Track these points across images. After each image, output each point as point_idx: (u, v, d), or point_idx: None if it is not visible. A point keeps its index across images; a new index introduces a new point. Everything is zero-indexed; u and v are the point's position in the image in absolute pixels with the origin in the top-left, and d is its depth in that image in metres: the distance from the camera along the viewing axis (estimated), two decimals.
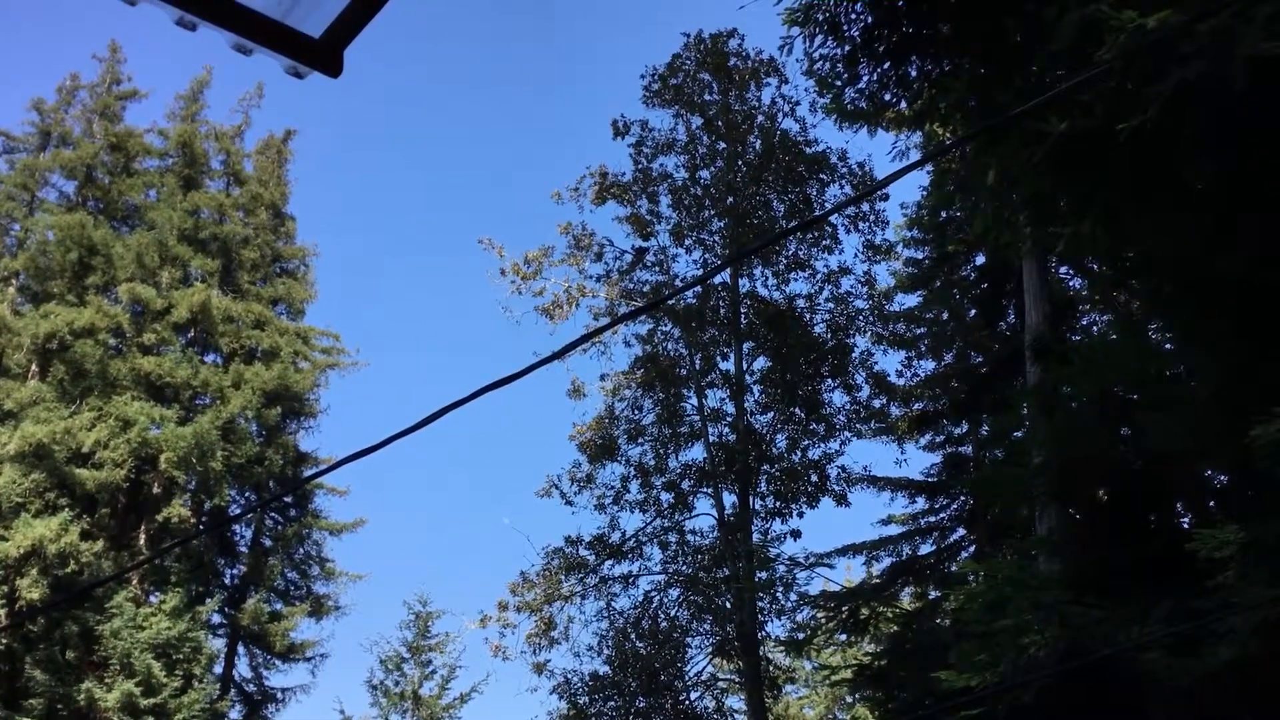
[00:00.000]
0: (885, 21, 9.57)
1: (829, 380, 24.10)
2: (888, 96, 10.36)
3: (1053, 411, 12.58)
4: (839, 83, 10.27)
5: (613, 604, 23.03)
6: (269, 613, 30.89)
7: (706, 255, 24.32)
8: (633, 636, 22.33)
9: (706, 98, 24.85)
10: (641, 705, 21.51)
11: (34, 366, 29.00)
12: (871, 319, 24.45)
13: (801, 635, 17.88)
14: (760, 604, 21.66)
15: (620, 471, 23.94)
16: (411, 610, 32.75)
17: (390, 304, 71.43)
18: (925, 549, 22.45)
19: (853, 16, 9.71)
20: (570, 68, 74.93)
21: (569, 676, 22.19)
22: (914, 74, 9.99)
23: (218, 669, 29.66)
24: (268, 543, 32.33)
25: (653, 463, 23.87)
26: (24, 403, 27.40)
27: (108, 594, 26.55)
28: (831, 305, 24.32)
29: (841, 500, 23.25)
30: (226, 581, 31.63)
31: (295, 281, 34.55)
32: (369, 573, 36.13)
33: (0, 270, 30.62)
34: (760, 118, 24.78)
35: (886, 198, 24.96)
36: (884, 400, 24.38)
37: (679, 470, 23.77)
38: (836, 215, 24.23)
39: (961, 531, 22.21)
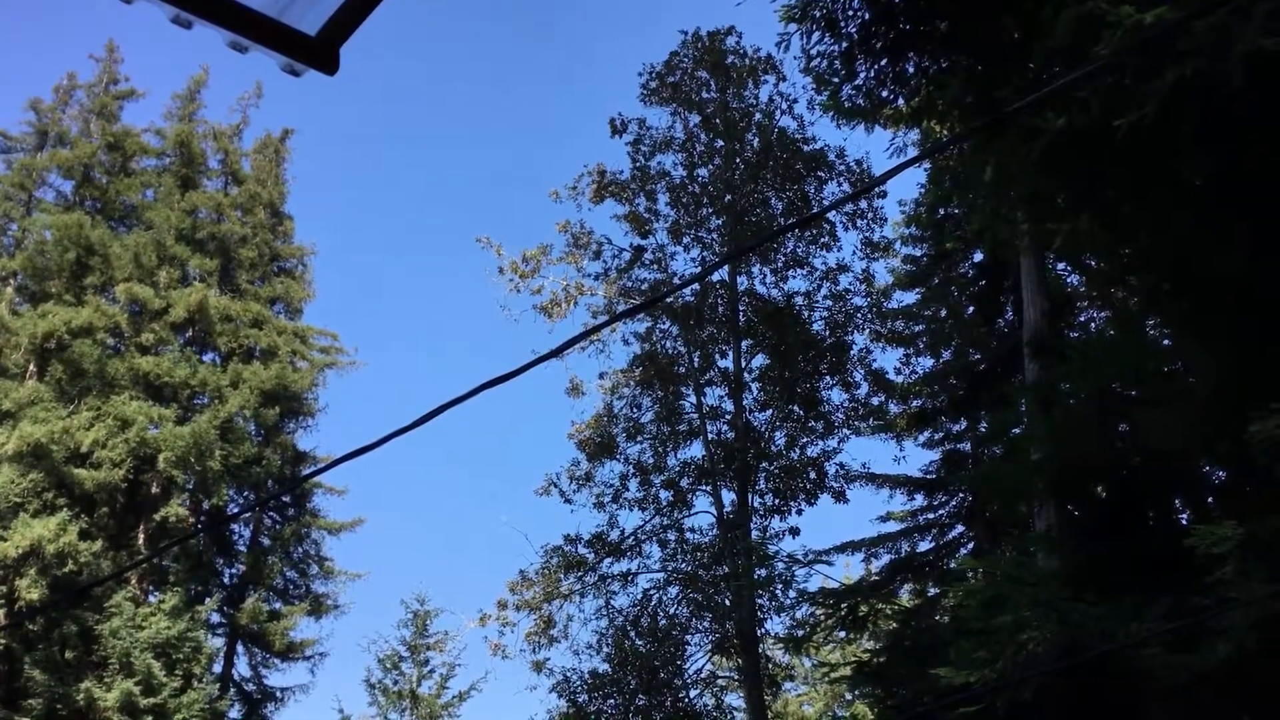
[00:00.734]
0: (882, 18, 9.57)
1: (827, 378, 24.11)
2: (885, 93, 10.36)
3: (1051, 408, 12.59)
4: (836, 80, 10.28)
5: (612, 602, 23.05)
6: (268, 612, 30.88)
7: (705, 253, 24.33)
8: (632, 634, 22.33)
9: (704, 95, 24.84)
10: (641, 703, 21.51)
11: (32, 366, 28.98)
12: (870, 316, 24.45)
13: (801, 632, 17.91)
14: (759, 601, 21.66)
15: (619, 469, 23.98)
16: (409, 609, 32.76)
17: (388, 303, 71.44)
18: (924, 546, 22.45)
19: (850, 13, 9.71)
20: (568, 66, 74.95)
21: (568, 675, 22.21)
22: (911, 71, 9.99)
23: (217, 668, 29.66)
24: (266, 542, 32.33)
25: (651, 461, 23.88)
26: (22, 402, 27.38)
27: (107, 594, 26.54)
28: (830, 303, 24.33)
29: (840, 497, 23.27)
30: (225, 581, 31.63)
31: (293, 281, 34.53)
32: (368, 572, 36.08)
33: None
34: (758, 115, 24.78)
35: (884, 195, 24.99)
36: (882, 397, 24.38)
37: (678, 468, 23.78)
38: (834, 212, 24.22)
39: (960, 528, 22.21)
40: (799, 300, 24.28)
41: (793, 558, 20.47)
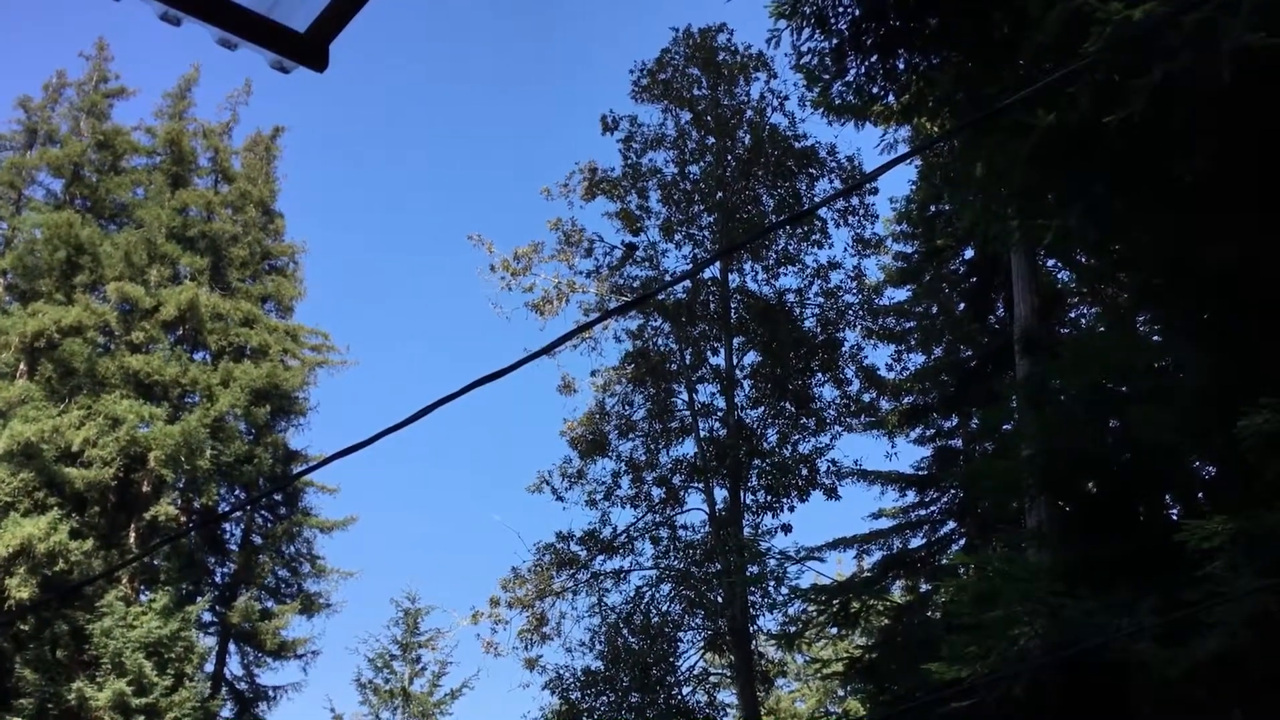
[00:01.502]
0: (873, 15, 9.58)
1: (819, 374, 24.13)
2: (875, 90, 10.38)
3: (1042, 405, 12.62)
4: (827, 76, 10.29)
5: (604, 599, 23.06)
6: (260, 611, 30.83)
7: (696, 250, 24.33)
8: (625, 632, 22.33)
9: (695, 93, 24.84)
10: (634, 700, 21.52)
11: (22, 365, 28.87)
12: (861, 313, 24.48)
13: (793, 629, 17.95)
14: (751, 598, 21.69)
15: (611, 467, 23.99)
16: (400, 607, 32.76)
17: (379, 301, 71.31)
18: (916, 542, 22.46)
19: (840, 9, 9.72)
20: (560, 63, 74.87)
21: (561, 672, 22.21)
22: (902, 67, 10.00)
23: (209, 667, 29.61)
24: (258, 541, 32.27)
25: (644, 458, 23.89)
26: (12, 401, 27.28)
27: (98, 593, 26.48)
28: (821, 300, 24.34)
29: (832, 494, 23.28)
30: (217, 580, 31.57)
31: (284, 279, 34.45)
32: (360, 570, 36.07)
33: None
34: (749, 112, 24.79)
35: (875, 192, 25.00)
36: (874, 394, 24.41)
37: (670, 465, 23.80)
38: (826, 209, 24.24)
39: (952, 525, 22.23)
40: (790, 297, 24.32)
41: (785, 554, 20.50)
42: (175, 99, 33.87)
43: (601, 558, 23.45)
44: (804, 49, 10.19)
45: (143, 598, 27.97)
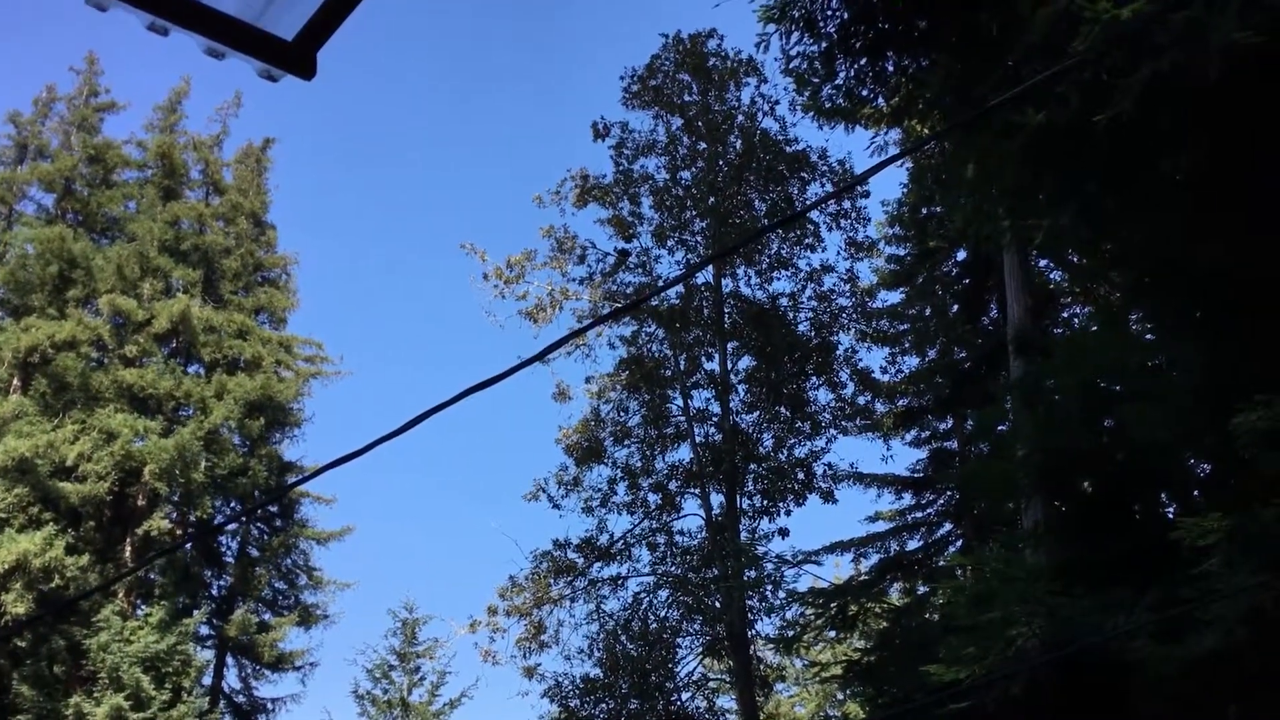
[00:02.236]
0: (861, 18, 9.60)
1: (814, 378, 24.15)
2: (865, 93, 10.40)
3: (1036, 405, 12.64)
4: (816, 80, 10.30)
5: (602, 606, 23.04)
6: (257, 623, 30.76)
7: (689, 256, 24.33)
8: (623, 638, 22.31)
9: (686, 98, 24.87)
10: (633, 707, 21.50)
11: (15, 380, 28.81)
12: (855, 316, 24.52)
13: (791, 633, 17.94)
14: (749, 603, 21.68)
15: (607, 474, 23.96)
16: (398, 617, 32.73)
17: (373, 310, 71.28)
18: (913, 544, 22.51)
19: (829, 13, 9.73)
20: (551, 70, 74.92)
21: (560, 680, 22.18)
22: (891, 70, 10.02)
23: (206, 680, 29.52)
24: (254, 553, 32.20)
25: (640, 464, 23.88)
26: (6, 417, 27.21)
27: (94, 608, 26.40)
28: (815, 303, 24.37)
29: (828, 497, 23.30)
30: (214, 593, 31.49)
31: (277, 290, 34.42)
32: (357, 581, 36.07)
33: None
34: (740, 117, 24.82)
35: (867, 195, 25.08)
36: (869, 397, 24.44)
37: (666, 471, 23.79)
38: (818, 213, 24.26)
39: (949, 526, 22.27)
40: (784, 301, 24.33)
41: (782, 559, 20.52)
42: (166, 112, 33.85)
43: (599, 565, 23.43)
44: (793, 53, 10.20)
45: (139, 612, 27.90)
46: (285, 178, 53.38)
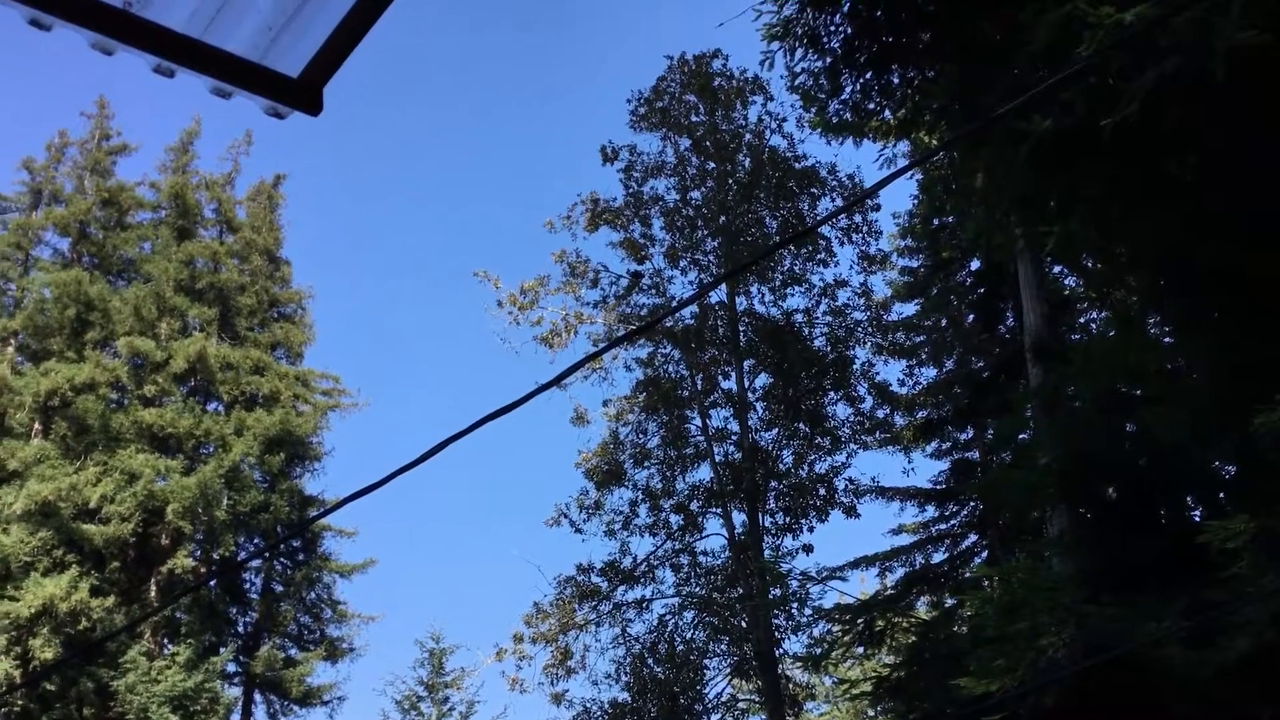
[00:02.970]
0: (864, 32, 9.62)
1: (831, 393, 24.10)
2: (871, 106, 10.40)
3: (1056, 411, 12.58)
4: (822, 95, 10.32)
5: (628, 630, 22.97)
6: (284, 659, 30.76)
7: (702, 275, 24.35)
8: (650, 662, 22.23)
9: (693, 119, 24.94)
10: None
11: (36, 425, 28.99)
12: (870, 330, 24.48)
13: (819, 650, 17.80)
14: (776, 621, 21.57)
15: (628, 496, 23.94)
16: (425, 648, 32.69)
17: (388, 340, 71.48)
18: (938, 557, 22.37)
19: (832, 28, 9.75)
20: (557, 96, 75.25)
21: (588, 705, 22.11)
22: (896, 82, 10.03)
23: (235, 718, 29.51)
24: (278, 588, 32.23)
25: (660, 485, 23.84)
26: (28, 461, 27.37)
27: (121, 649, 26.45)
28: (830, 318, 24.34)
29: (851, 512, 23.21)
30: (239, 629, 31.52)
31: (293, 325, 34.58)
32: (382, 613, 36.01)
33: None
34: (748, 136, 24.87)
35: (878, 208, 25.02)
36: (887, 410, 24.36)
37: (687, 492, 23.74)
38: (829, 228, 24.26)
39: (973, 537, 22.14)
40: (799, 317, 24.32)
41: (807, 575, 20.39)
42: (177, 153, 34.13)
43: (623, 588, 23.38)
44: (798, 69, 10.22)
45: (165, 651, 27.94)
46: (298, 211, 53.71)
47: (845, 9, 9.60)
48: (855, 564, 21.53)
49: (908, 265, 24.86)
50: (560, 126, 74.59)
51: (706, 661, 22.46)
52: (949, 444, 23.66)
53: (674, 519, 23.61)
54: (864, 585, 34.86)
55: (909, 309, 24.86)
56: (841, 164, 25.94)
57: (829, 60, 9.97)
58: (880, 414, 24.29)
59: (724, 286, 24.07)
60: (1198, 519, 11.32)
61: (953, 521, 22.61)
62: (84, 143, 33.51)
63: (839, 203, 24.18)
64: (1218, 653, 7.99)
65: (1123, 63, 7.13)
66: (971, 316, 22.50)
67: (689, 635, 22.52)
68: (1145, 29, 6.69)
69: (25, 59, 52.90)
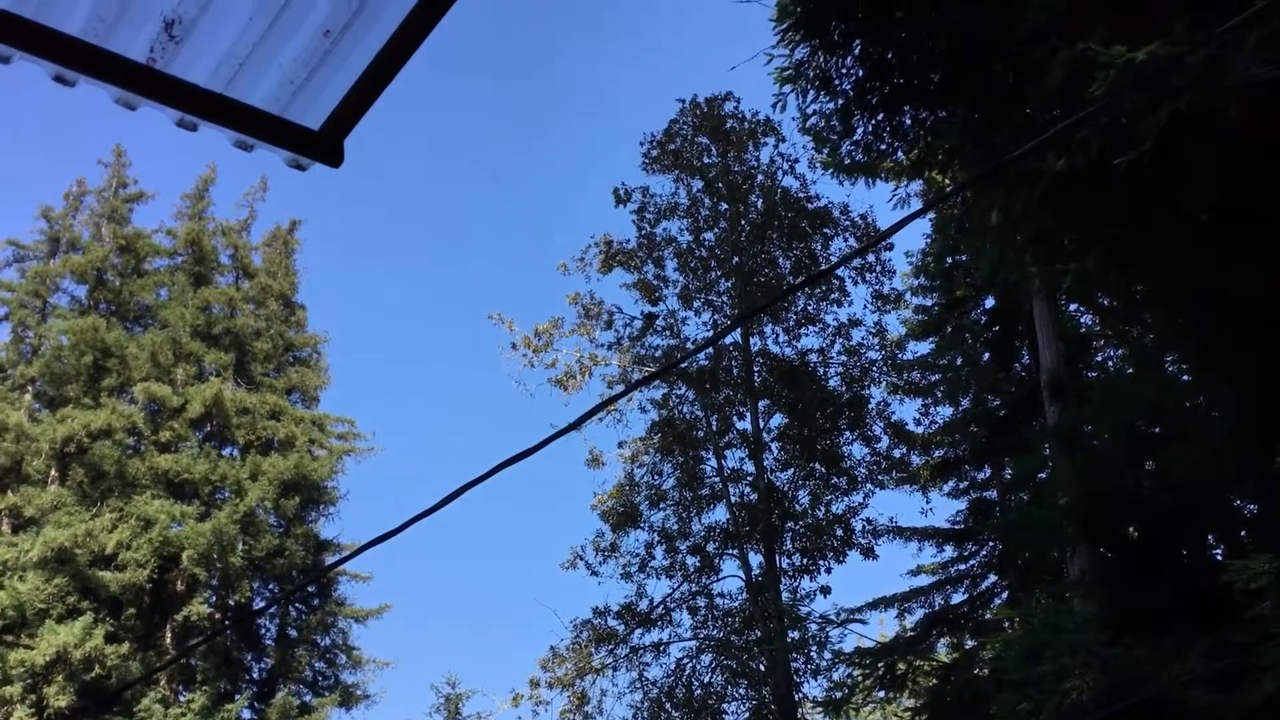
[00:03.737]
0: (876, 74, 9.67)
1: (847, 433, 24.01)
2: (884, 147, 10.44)
3: (1075, 450, 12.50)
4: (834, 137, 10.36)
5: (645, 674, 22.78)
6: (298, 705, 30.54)
7: (716, 316, 24.39)
8: (667, 706, 22.04)
9: (706, 160, 25.06)
10: None
11: (53, 471, 29.06)
12: (885, 369, 24.41)
13: (839, 694, 17.62)
14: (795, 664, 21.38)
15: (644, 538, 23.83)
16: (440, 693, 32.47)
17: (404, 383, 71.59)
18: (957, 598, 22.18)
19: (843, 71, 9.81)
20: (569, 139, 75.75)
21: None
22: (908, 123, 10.07)
23: None
24: (293, 634, 32.09)
25: (676, 527, 23.74)
26: (45, 508, 27.42)
27: (136, 697, 26.31)
28: (844, 358, 24.30)
29: (869, 553, 23.04)
30: (254, 676, 31.35)
31: (308, 369, 34.67)
32: (397, 659, 35.86)
33: (16, 378, 30.81)
34: (760, 177, 24.97)
35: (891, 247, 25.02)
36: (904, 450, 24.25)
37: (703, 533, 23.63)
38: (843, 268, 24.29)
39: (993, 578, 21.95)
40: (813, 357, 24.28)
41: (825, 618, 20.22)
42: (194, 200, 34.40)
43: (640, 631, 23.22)
44: (810, 111, 10.29)
45: (181, 699, 27.80)
46: (313, 253, 53.99)
47: (856, 52, 9.66)
48: (874, 605, 21.36)
49: (922, 304, 24.86)
50: (575, 168, 75.03)
51: (725, 706, 22.26)
52: (967, 483, 23.53)
53: (690, 561, 23.50)
54: (883, 627, 34.59)
55: (924, 347, 24.84)
56: (854, 204, 26.01)
57: (841, 102, 10.03)
58: (897, 453, 24.19)
59: (738, 327, 24.08)
60: (1220, 558, 11.20)
61: (972, 562, 22.44)
62: (101, 191, 33.81)
63: (852, 242, 24.23)
64: (1243, 695, 7.88)
65: (1135, 101, 7.15)
66: (987, 355, 22.45)
67: (707, 679, 22.34)
68: (1158, 68, 6.71)
69: (45, 109, 53.58)
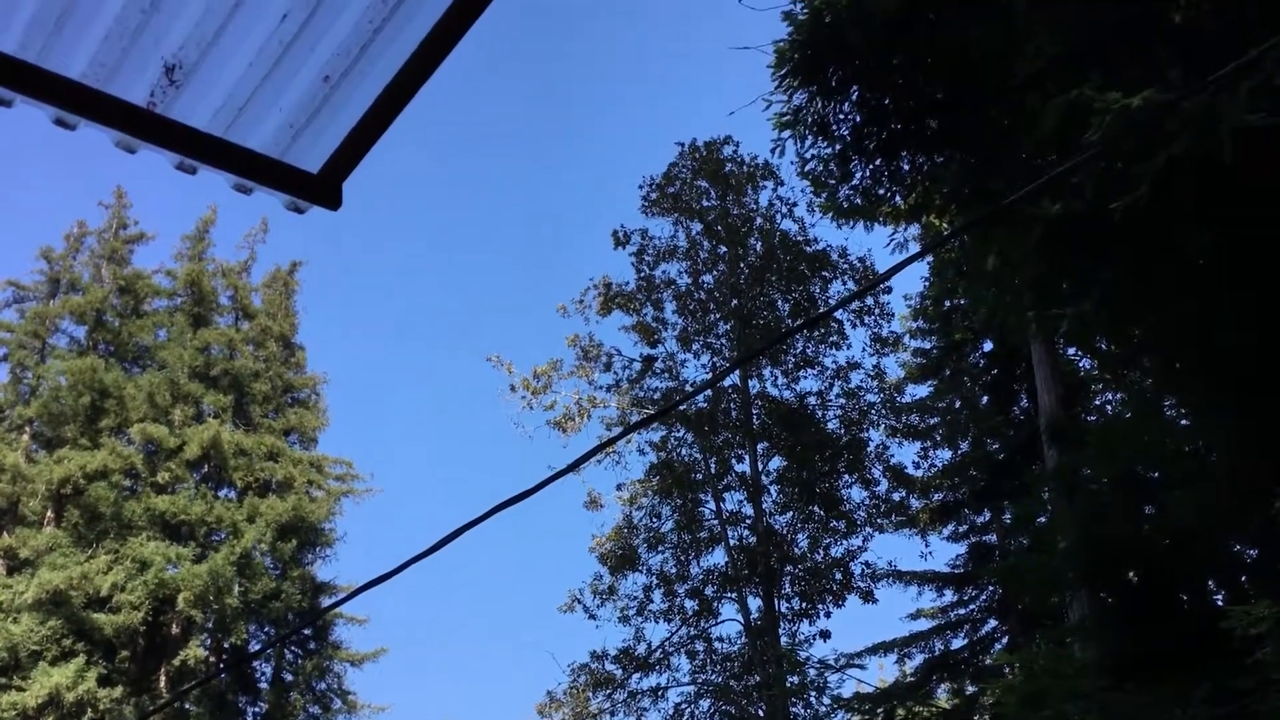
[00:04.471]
0: (873, 119, 9.75)
1: (846, 476, 23.96)
2: (882, 191, 10.51)
3: (1074, 495, 12.47)
4: (832, 181, 10.43)
5: (643, 719, 22.58)
6: None
7: (714, 358, 24.41)
8: None
9: (705, 204, 25.19)
10: None
11: (49, 512, 28.95)
12: (884, 412, 24.42)
13: None
14: (794, 710, 21.19)
15: (642, 581, 23.71)
16: None
17: (402, 425, 71.46)
18: (957, 643, 22.03)
19: (841, 116, 9.89)
20: (568, 180, 76.15)
21: None
22: (906, 168, 10.14)
23: None
24: (288, 678, 31.84)
25: (674, 570, 23.63)
26: (40, 549, 27.29)
27: None
28: (843, 400, 24.31)
29: (868, 597, 22.92)
30: None
31: (307, 410, 34.64)
32: (391, 705, 35.46)
33: (14, 418, 30.76)
34: (759, 220, 25.09)
35: (889, 290, 25.12)
36: (903, 493, 24.20)
37: (701, 576, 23.51)
38: (842, 311, 24.35)
39: (993, 623, 21.82)
40: (812, 400, 24.28)
41: (824, 663, 20.08)
42: (194, 241, 34.54)
43: (638, 675, 23.05)
44: (808, 156, 10.36)
45: None
46: (312, 293, 54.09)
47: (854, 98, 9.75)
48: (873, 650, 21.19)
49: (920, 347, 24.88)
50: (575, 211, 75.38)
51: None
52: (966, 527, 23.45)
53: (689, 604, 23.36)
54: (882, 673, 34.25)
55: (922, 390, 24.84)
56: (852, 247, 26.11)
57: (839, 147, 10.10)
58: (896, 497, 24.14)
59: (737, 370, 24.10)
60: (1220, 603, 11.14)
61: (972, 606, 22.31)
62: (102, 232, 33.95)
63: (850, 285, 24.31)
64: None
65: (1131, 147, 7.20)
66: (985, 398, 22.45)
67: None
68: (1153, 113, 6.76)
69: (45, 155, 53.89)
